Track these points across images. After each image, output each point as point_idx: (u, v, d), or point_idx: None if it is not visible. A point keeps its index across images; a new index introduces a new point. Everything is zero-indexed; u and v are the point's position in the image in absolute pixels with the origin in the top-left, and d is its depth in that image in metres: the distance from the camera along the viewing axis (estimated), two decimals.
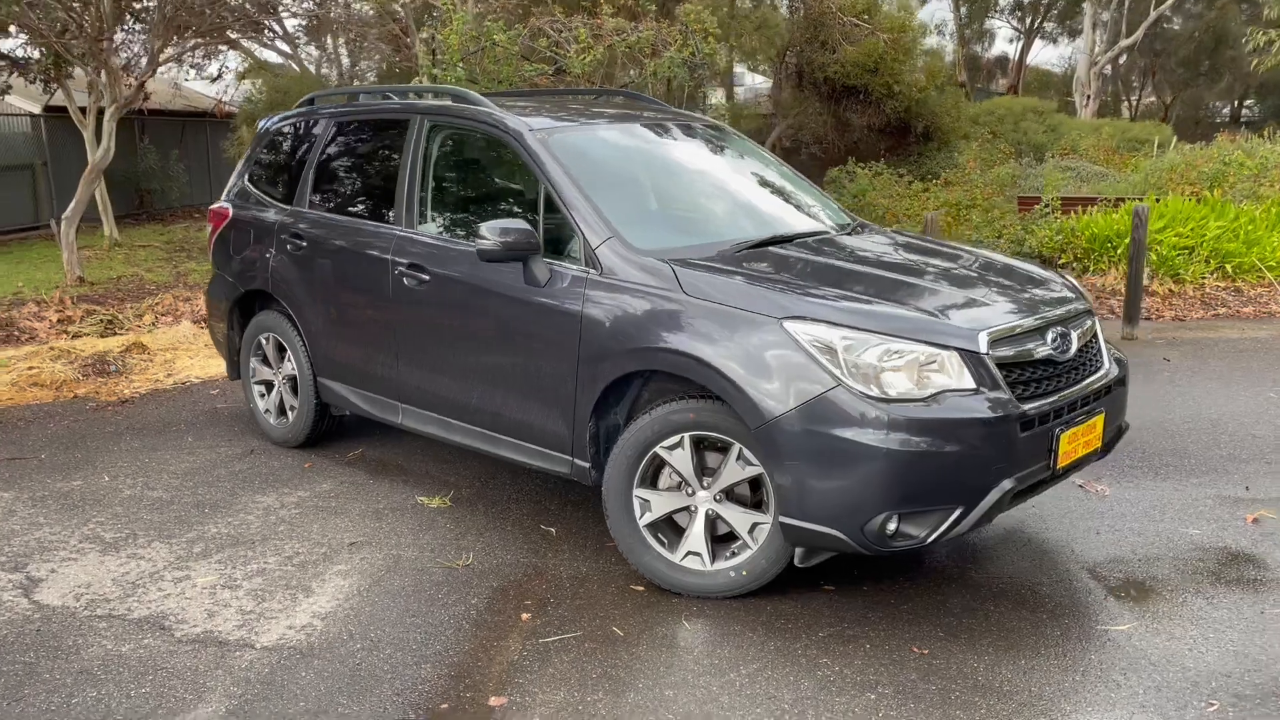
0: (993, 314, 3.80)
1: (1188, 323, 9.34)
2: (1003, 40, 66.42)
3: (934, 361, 3.58)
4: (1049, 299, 4.08)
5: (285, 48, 21.92)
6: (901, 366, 3.54)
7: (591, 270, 4.15)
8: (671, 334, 3.87)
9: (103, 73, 12.67)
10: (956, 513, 3.55)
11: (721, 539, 3.99)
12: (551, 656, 3.55)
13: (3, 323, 9.27)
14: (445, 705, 3.26)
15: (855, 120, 19.28)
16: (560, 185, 4.32)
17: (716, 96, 20.93)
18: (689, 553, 3.96)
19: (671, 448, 3.91)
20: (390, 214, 5.02)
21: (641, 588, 4.05)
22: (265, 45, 22.27)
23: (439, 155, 4.97)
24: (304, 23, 21.29)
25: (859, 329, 3.58)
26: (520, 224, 4.23)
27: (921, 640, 3.63)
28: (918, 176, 17.34)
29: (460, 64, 12.98)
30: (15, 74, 15.03)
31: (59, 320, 9.57)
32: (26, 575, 4.21)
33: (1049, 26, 39.38)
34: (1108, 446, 4.20)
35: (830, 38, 18.37)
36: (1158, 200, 11.43)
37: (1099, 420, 3.98)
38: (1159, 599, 3.92)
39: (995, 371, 3.61)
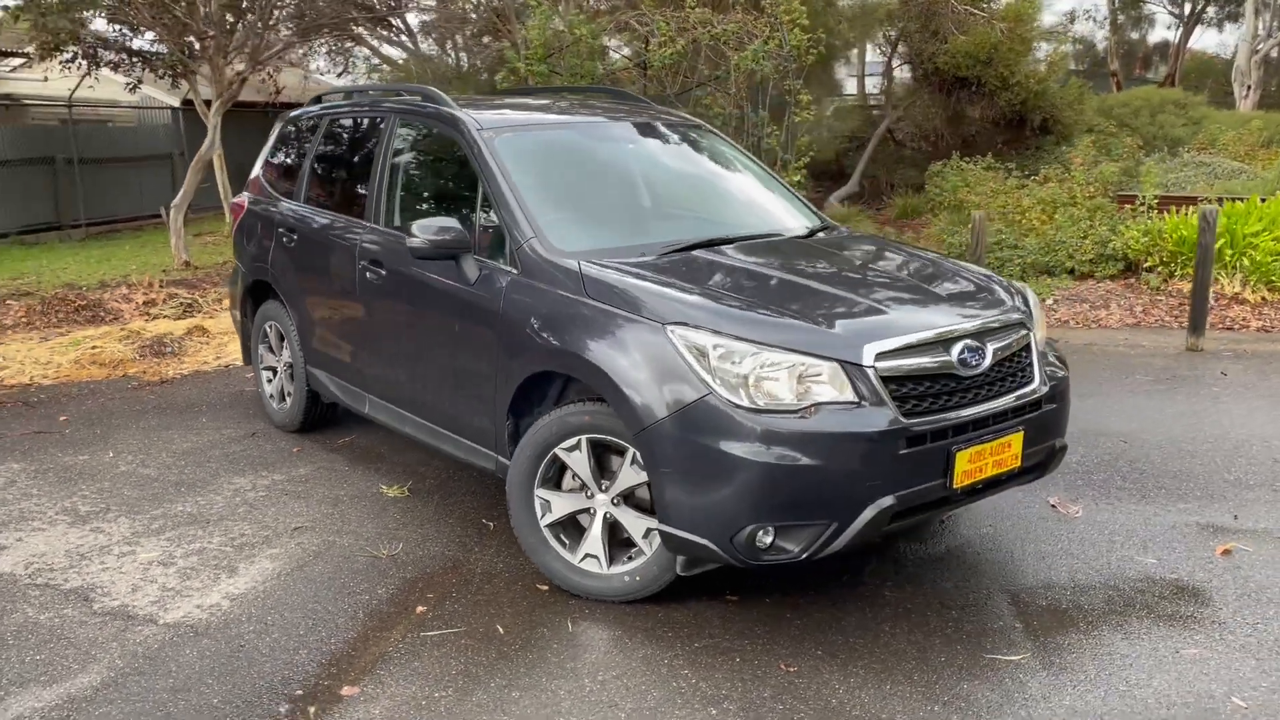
0: (891, 326, 3.65)
1: (1274, 334, 8.68)
2: (1162, 26, 62.75)
3: (814, 373, 3.47)
4: (970, 311, 3.90)
5: (405, 42, 22.64)
6: (777, 377, 3.45)
7: (514, 269, 4.19)
8: (570, 335, 3.88)
9: (206, 68, 13.43)
10: (830, 529, 3.45)
11: (623, 543, 3.97)
12: (424, 650, 3.62)
13: (91, 304, 9.96)
14: (300, 691, 3.37)
15: (969, 112, 18.57)
16: (495, 183, 4.38)
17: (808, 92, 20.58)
18: (587, 555, 3.96)
19: (570, 449, 3.92)
20: (362, 209, 5.17)
21: (545, 587, 4.07)
22: (390, 42, 23.08)
23: (405, 153, 5.10)
24: (426, 19, 21.93)
25: (736, 338, 3.50)
26: (450, 223, 4.30)
27: (797, 658, 3.54)
28: (1034, 172, 16.59)
29: (545, 59, 13.19)
30: (145, 69, 16.03)
31: (144, 303, 10.20)
32: None
33: (1210, 12, 36.95)
34: (1035, 468, 4.00)
35: (942, 26, 17.77)
36: (1263, 200, 10.64)
37: (1016, 439, 3.78)
38: (1071, 630, 3.70)
39: (879, 385, 3.48)
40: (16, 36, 16.02)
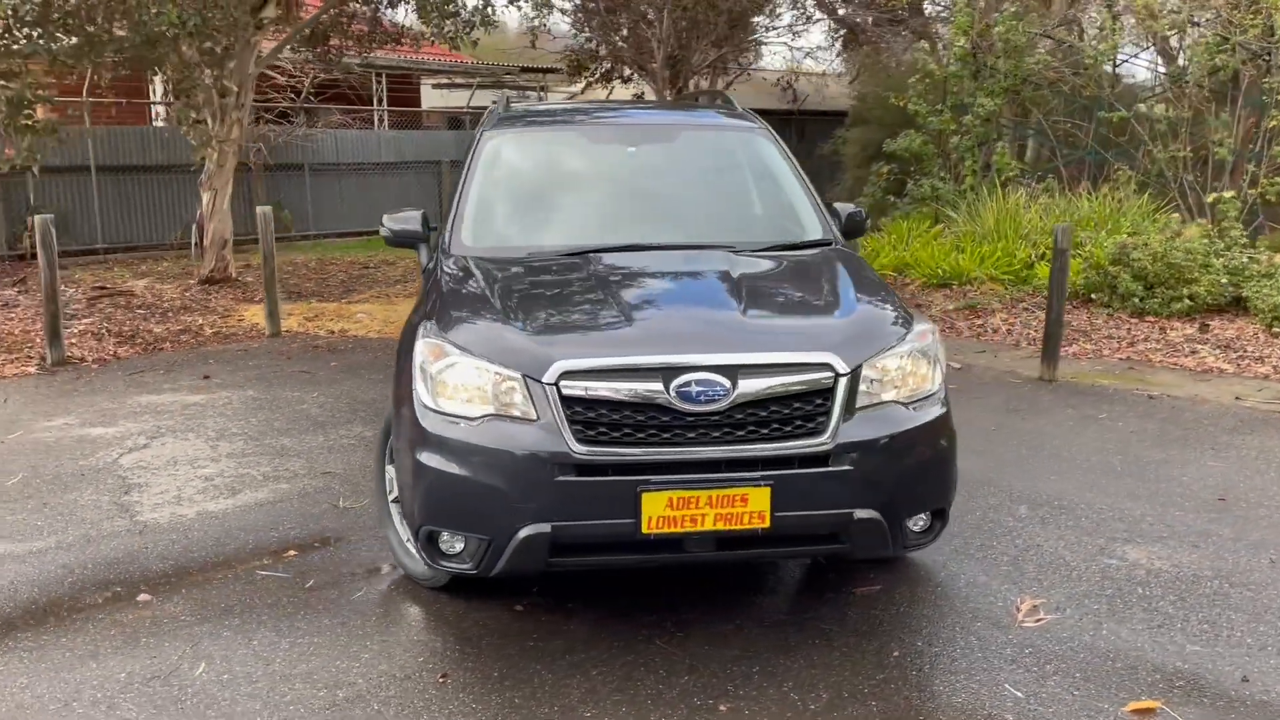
0: (602, 347, 3.36)
1: None
2: None
3: (507, 385, 3.33)
4: (740, 345, 3.37)
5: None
6: (462, 384, 3.37)
7: (435, 260, 4.48)
8: (409, 326, 4.08)
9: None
10: (490, 547, 3.30)
11: None
12: (236, 584, 4.10)
13: None
14: (119, 589, 4.07)
15: None
16: (461, 181, 4.68)
17: None
18: (410, 536, 4.14)
19: None
20: None
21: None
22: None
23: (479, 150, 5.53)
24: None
25: (449, 341, 3.48)
26: (410, 214, 4.70)
27: (473, 672, 3.40)
28: None
29: (961, 60, 12.42)
30: (645, 81, 18.05)
31: None
32: (149, 440, 5.93)
33: None
34: (818, 539, 3.36)
35: None
36: None
37: (757, 494, 3.19)
38: None
39: (557, 405, 3.22)
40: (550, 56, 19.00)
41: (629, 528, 3.20)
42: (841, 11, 21.47)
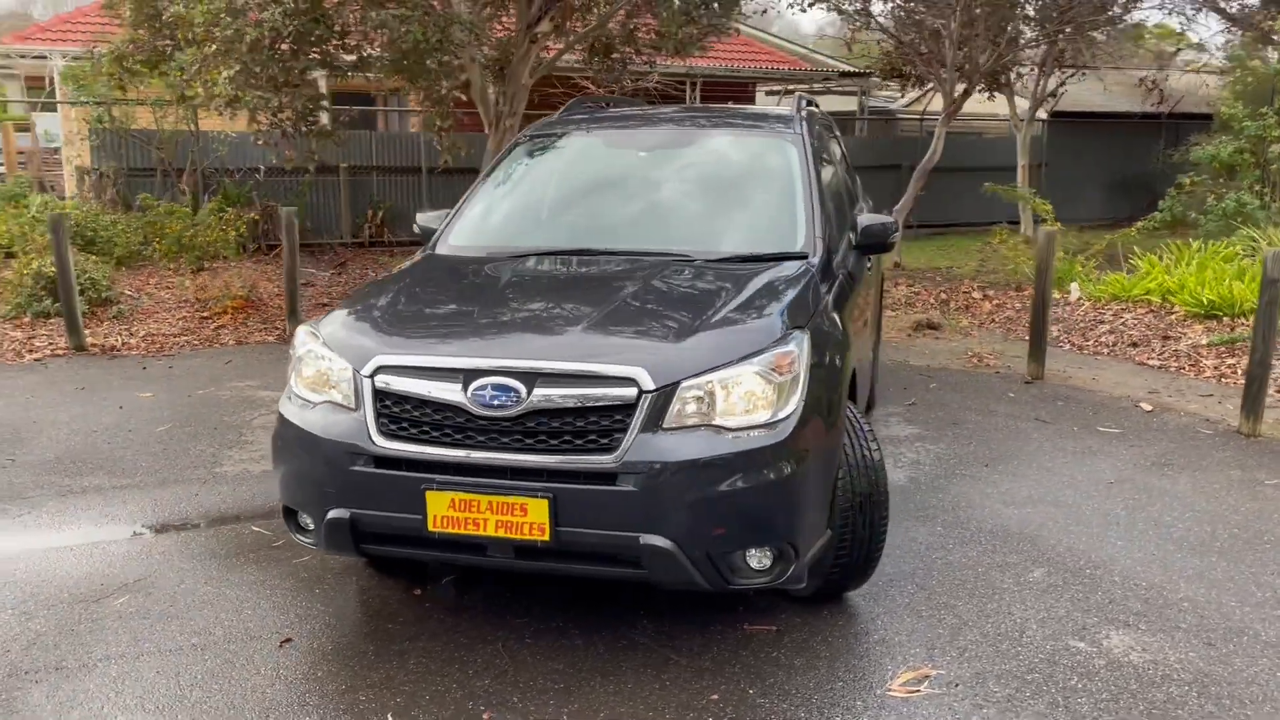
0: (417, 345, 3.47)
1: None
2: None
3: (337, 374, 3.48)
4: (551, 352, 3.30)
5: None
6: (312, 370, 3.57)
7: None
8: None
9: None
10: (312, 525, 3.49)
11: None
12: (223, 535, 4.62)
13: None
14: (138, 525, 4.73)
15: None
16: (477, 181, 4.92)
17: None
18: None
19: None
20: None
21: None
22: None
23: None
24: None
25: (315, 329, 3.71)
26: (437, 214, 4.98)
27: (306, 639, 3.64)
28: None
29: None
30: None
31: None
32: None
33: None
34: (608, 560, 3.24)
35: None
36: None
37: (536, 506, 3.10)
38: None
39: (369, 397, 3.35)
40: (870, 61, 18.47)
41: (416, 524, 3.25)
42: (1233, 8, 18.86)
